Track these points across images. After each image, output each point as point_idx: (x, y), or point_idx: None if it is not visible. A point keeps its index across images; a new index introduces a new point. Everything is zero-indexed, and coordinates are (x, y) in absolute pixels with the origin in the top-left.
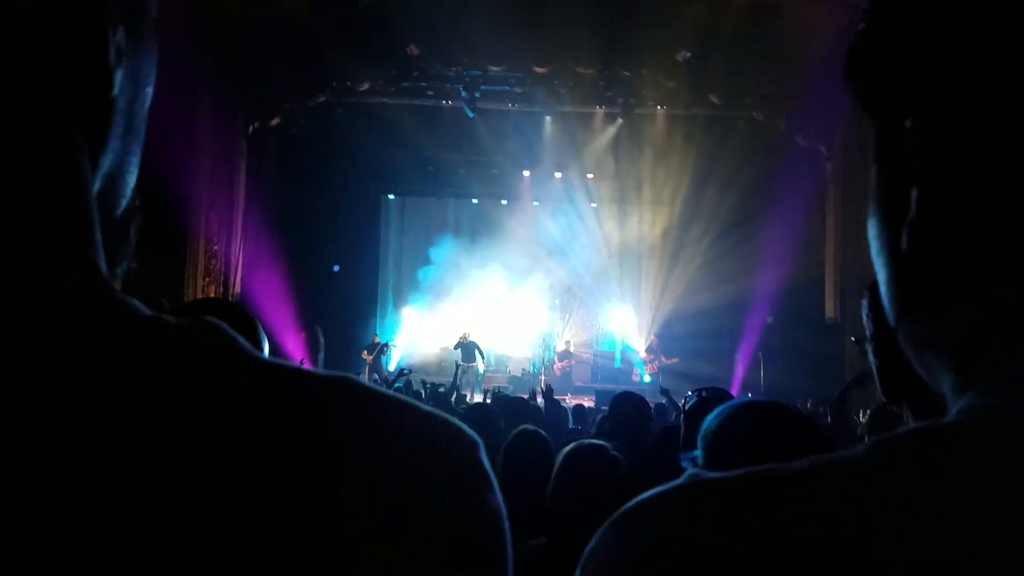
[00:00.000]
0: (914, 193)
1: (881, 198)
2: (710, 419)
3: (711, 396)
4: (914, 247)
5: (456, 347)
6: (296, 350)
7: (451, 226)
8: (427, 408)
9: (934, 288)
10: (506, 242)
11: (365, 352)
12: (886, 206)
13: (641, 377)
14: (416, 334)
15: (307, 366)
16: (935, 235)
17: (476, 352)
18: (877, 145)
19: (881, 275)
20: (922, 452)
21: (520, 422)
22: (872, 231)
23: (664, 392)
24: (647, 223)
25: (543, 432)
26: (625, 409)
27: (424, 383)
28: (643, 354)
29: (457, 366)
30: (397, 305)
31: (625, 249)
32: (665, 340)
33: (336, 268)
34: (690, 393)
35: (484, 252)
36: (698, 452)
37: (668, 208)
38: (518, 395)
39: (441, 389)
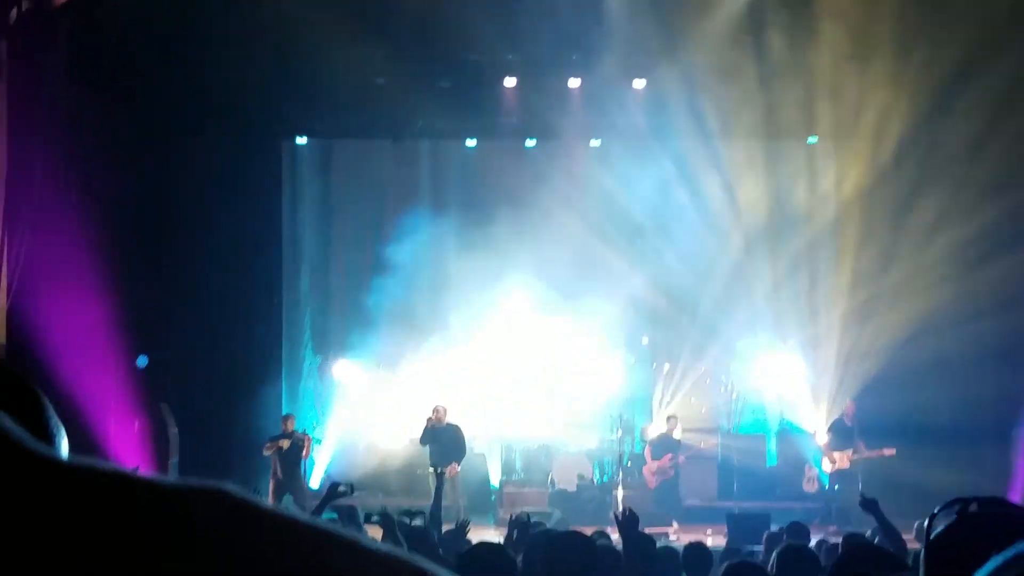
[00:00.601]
0: None
1: None
2: (996, 568)
3: (984, 514)
4: None
5: (423, 439)
6: (126, 444)
7: (425, 195)
8: (380, 549)
9: None
10: (535, 223)
11: (268, 447)
12: None
13: (821, 480)
14: (363, 413)
15: (146, 473)
16: None
17: (460, 444)
18: None
19: None
20: None
21: None
22: None
23: (869, 506)
24: (828, 176)
25: None
26: None
27: (384, 513)
28: (822, 438)
29: (439, 476)
30: (323, 354)
31: (782, 230)
32: (870, 412)
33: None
34: (938, 511)
35: (491, 244)
36: None
37: (872, 146)
38: (572, 529)
39: (416, 522)
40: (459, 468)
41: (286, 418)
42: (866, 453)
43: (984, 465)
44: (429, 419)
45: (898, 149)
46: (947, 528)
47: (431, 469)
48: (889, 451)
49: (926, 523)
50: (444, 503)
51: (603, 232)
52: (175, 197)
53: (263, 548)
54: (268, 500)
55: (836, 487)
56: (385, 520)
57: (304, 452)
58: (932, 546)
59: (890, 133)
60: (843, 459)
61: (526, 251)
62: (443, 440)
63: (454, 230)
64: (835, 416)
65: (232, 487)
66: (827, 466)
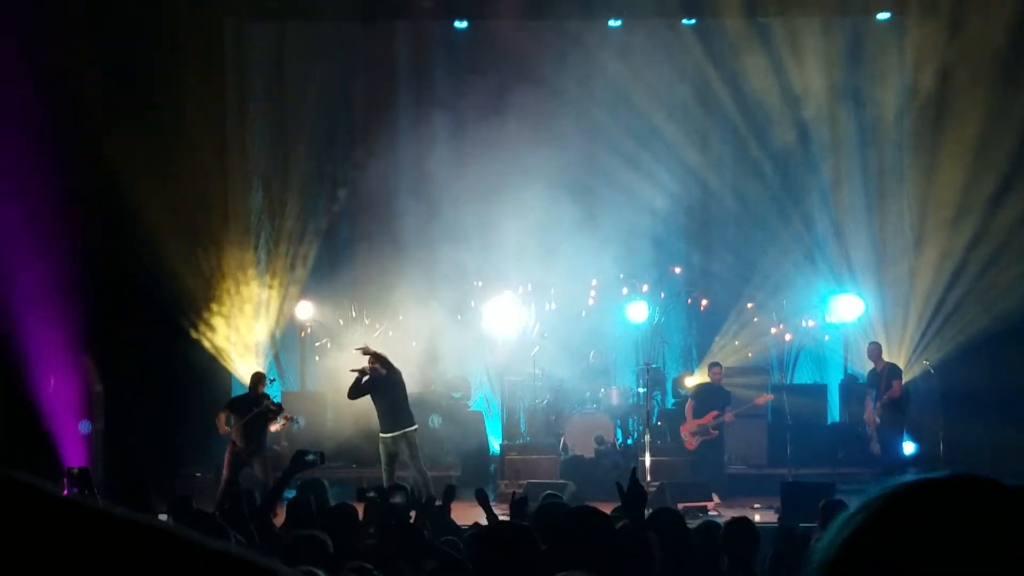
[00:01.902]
0: None
1: None
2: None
3: None
4: None
5: (359, 388)
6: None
7: (404, 91)
8: (221, 548)
9: None
10: (541, 122)
11: (224, 416)
12: None
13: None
14: (331, 365)
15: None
16: None
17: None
18: None
19: None
20: None
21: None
22: None
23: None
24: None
25: None
26: None
27: (363, 489)
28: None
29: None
30: (279, 292)
31: (841, 133)
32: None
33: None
34: None
35: (490, 150)
36: None
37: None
38: (586, 504)
39: (397, 500)
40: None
41: (256, 379)
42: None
43: None
44: (362, 370)
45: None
46: None
47: (380, 436)
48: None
49: None
50: (401, 474)
51: (617, 133)
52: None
53: (49, 538)
54: (223, 472)
55: (914, 449)
56: (382, 496)
57: (275, 427)
58: None
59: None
60: (872, 417)
61: (532, 158)
62: (389, 395)
63: (443, 134)
64: (914, 363)
65: (19, 473)
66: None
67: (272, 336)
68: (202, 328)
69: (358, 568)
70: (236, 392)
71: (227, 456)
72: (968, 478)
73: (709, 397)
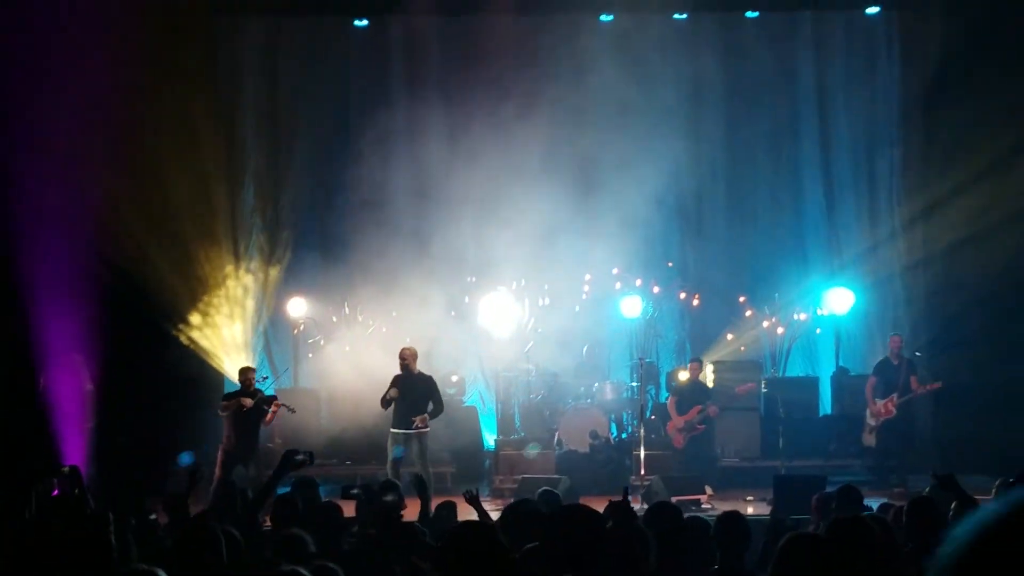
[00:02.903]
0: None
1: None
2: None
3: None
4: None
5: (389, 396)
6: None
7: (400, 86)
8: None
9: None
10: (535, 112)
11: (224, 407)
12: None
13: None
14: (325, 363)
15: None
16: None
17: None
18: None
19: None
20: None
21: None
22: None
23: (947, 484)
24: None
25: None
26: None
27: (348, 487)
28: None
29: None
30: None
31: (833, 124)
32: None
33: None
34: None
35: (484, 142)
36: None
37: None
38: (579, 504)
39: (390, 498)
40: (428, 423)
41: (245, 371)
42: (919, 389)
43: None
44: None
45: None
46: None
47: (392, 431)
48: (934, 385)
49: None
50: (405, 471)
51: (610, 128)
52: None
53: None
54: (216, 472)
55: (882, 442)
56: (368, 494)
57: (268, 418)
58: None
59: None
60: (887, 407)
61: (525, 153)
62: (410, 395)
63: (437, 130)
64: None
65: None
66: (871, 419)
67: (265, 334)
68: (193, 327)
69: (321, 568)
70: (228, 390)
71: (219, 455)
72: None
73: (691, 393)
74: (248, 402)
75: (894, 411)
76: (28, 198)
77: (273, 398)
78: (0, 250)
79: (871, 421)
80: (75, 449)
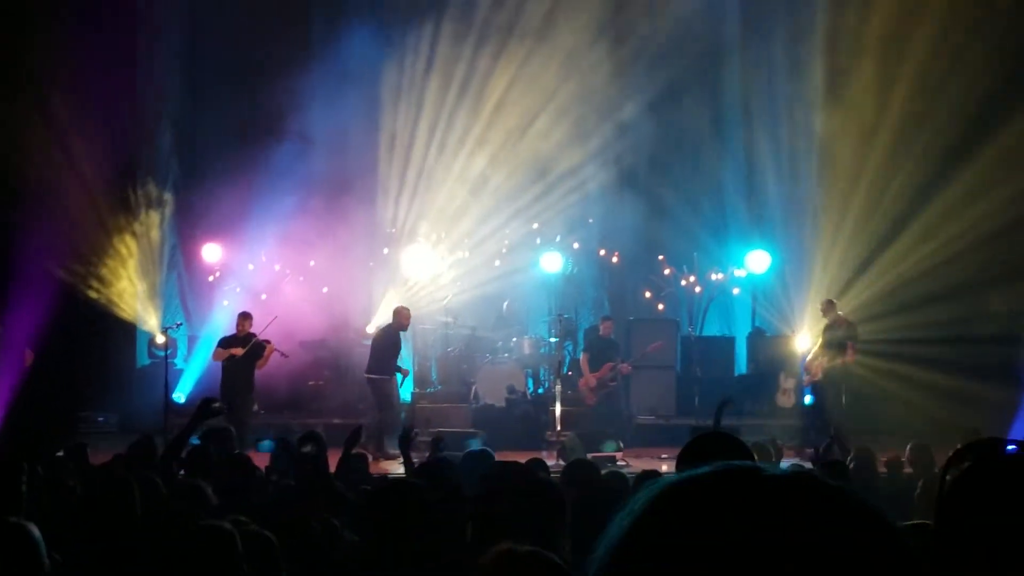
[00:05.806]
0: None
1: None
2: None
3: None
4: None
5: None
6: None
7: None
8: None
9: None
10: (464, 64)
11: (219, 354)
12: None
13: (803, 393)
14: (246, 303)
15: None
16: None
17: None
18: None
19: None
20: None
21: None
22: None
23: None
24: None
25: None
26: None
27: (280, 440)
28: (804, 342)
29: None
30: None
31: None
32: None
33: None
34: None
35: (410, 96)
36: None
37: None
38: (508, 460)
39: (307, 448)
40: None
41: (243, 317)
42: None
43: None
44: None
45: None
46: (974, 471)
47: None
48: (850, 357)
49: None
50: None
51: (534, 83)
52: None
53: None
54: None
55: (810, 400)
56: (285, 445)
57: (261, 362)
58: (956, 489)
59: None
60: (816, 367)
61: (448, 108)
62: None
63: (360, 83)
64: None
65: None
66: (809, 374)
67: (180, 279)
68: (103, 272)
69: (233, 521)
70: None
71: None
72: (728, 473)
73: (602, 351)
74: (238, 351)
75: (820, 376)
76: None
77: (267, 343)
78: None
79: (805, 379)
80: None
